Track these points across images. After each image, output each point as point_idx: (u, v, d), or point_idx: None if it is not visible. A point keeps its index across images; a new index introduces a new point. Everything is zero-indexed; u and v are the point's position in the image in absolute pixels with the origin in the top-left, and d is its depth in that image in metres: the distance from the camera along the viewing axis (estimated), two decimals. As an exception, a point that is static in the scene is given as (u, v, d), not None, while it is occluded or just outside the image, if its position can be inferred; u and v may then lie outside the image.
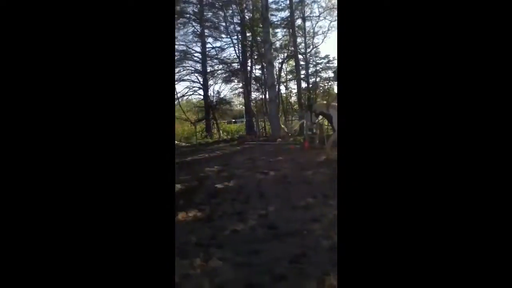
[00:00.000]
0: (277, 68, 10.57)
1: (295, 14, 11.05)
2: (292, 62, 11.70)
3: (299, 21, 11.39)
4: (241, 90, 12.38)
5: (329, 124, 5.01)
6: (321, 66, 11.69)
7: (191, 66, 11.84)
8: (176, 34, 11.44)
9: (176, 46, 11.51)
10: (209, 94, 11.75)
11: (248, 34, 10.96)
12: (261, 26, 9.44)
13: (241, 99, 13.37)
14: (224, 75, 12.03)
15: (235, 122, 15.57)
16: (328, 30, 11.47)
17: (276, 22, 11.38)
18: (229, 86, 12.86)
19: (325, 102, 5.01)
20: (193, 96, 12.81)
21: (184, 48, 11.60)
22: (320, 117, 5.00)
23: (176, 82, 11.70)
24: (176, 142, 8.86)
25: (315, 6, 11.52)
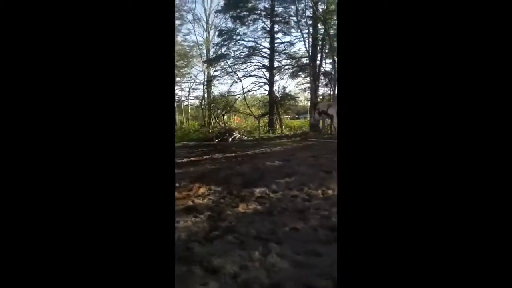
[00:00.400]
0: (348, 63, 9.94)
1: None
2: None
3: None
4: (307, 85, 12.13)
5: (331, 123, 5.31)
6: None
7: (258, 62, 12.05)
8: (246, 30, 11.75)
9: (245, 43, 11.85)
10: (274, 90, 11.80)
11: (320, 27, 10.61)
12: (336, 18, 9.02)
13: (306, 95, 13.10)
14: (291, 70, 11.93)
15: (298, 118, 15.37)
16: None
17: (351, 14, 10.75)
18: (295, 81, 12.74)
19: (327, 102, 5.23)
20: (258, 91, 13.06)
21: (253, 44, 11.85)
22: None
23: (242, 78, 12.08)
24: (239, 135, 9.17)
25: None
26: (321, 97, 11.48)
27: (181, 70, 14.07)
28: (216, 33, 12.83)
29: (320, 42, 10.80)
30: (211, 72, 13.46)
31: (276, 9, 11.30)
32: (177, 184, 3.17)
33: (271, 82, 11.78)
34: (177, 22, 14.16)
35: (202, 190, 2.84)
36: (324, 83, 11.53)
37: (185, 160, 5.10)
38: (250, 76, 12.17)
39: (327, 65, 11.27)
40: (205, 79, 13.92)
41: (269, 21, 11.45)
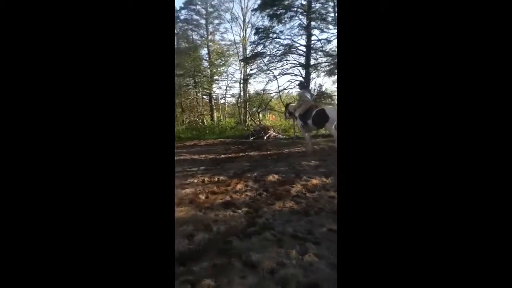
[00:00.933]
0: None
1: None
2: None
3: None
4: (344, 83, 11.74)
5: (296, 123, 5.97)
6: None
7: (294, 60, 11.93)
8: (282, 28, 11.66)
9: (281, 40, 11.78)
10: (311, 88, 11.61)
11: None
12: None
13: (343, 93, 12.68)
14: (328, 68, 11.63)
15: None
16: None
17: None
18: (331, 79, 12.37)
19: (296, 104, 5.74)
20: (294, 90, 12.94)
21: (289, 42, 11.74)
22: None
23: (278, 76, 12.04)
24: (274, 133, 9.18)
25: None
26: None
27: (219, 69, 14.42)
28: (253, 32, 12.93)
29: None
30: (247, 71, 13.62)
31: (313, 5, 11.06)
32: (215, 179, 3.30)
33: (307, 80, 11.60)
34: (215, 21, 14.55)
35: (239, 186, 2.92)
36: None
37: (222, 156, 5.26)
38: (285, 74, 12.08)
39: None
40: (242, 77, 14.14)
41: (305, 18, 11.25)
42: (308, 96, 5.48)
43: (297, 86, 6.72)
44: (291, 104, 6.14)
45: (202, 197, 2.62)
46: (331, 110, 4.66)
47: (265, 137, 8.58)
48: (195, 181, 3.25)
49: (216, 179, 3.31)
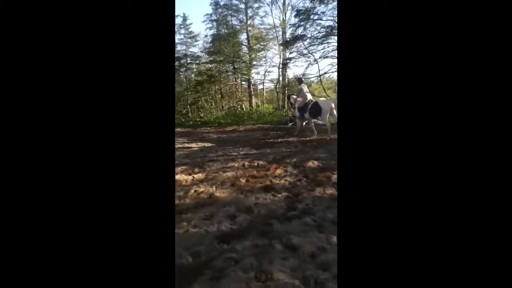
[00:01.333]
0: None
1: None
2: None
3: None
4: (391, 66, 10.96)
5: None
6: None
7: (336, 42, 11.38)
8: (324, 9, 11.15)
9: (322, 22, 11.29)
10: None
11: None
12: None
13: (390, 77, 11.87)
14: (373, 50, 10.93)
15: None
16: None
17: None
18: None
19: (295, 95, 6.54)
20: (335, 74, 12.42)
21: (331, 23, 11.19)
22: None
23: (319, 59, 11.63)
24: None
25: None
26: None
27: (258, 54, 14.32)
28: (293, 14, 12.54)
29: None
30: (287, 55, 13.35)
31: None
32: (255, 164, 3.37)
33: (349, 63, 11.04)
34: (254, 5, 14.35)
35: (278, 171, 2.95)
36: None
37: (261, 141, 5.32)
38: (327, 57, 11.62)
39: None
40: (281, 62, 13.92)
41: (351, -4, 10.58)
42: (305, 89, 6.36)
43: (297, 81, 7.74)
44: (292, 96, 6.88)
45: (243, 180, 2.70)
46: (323, 102, 5.66)
47: (304, 123, 8.44)
48: (236, 165, 3.35)
49: (255, 163, 3.37)
